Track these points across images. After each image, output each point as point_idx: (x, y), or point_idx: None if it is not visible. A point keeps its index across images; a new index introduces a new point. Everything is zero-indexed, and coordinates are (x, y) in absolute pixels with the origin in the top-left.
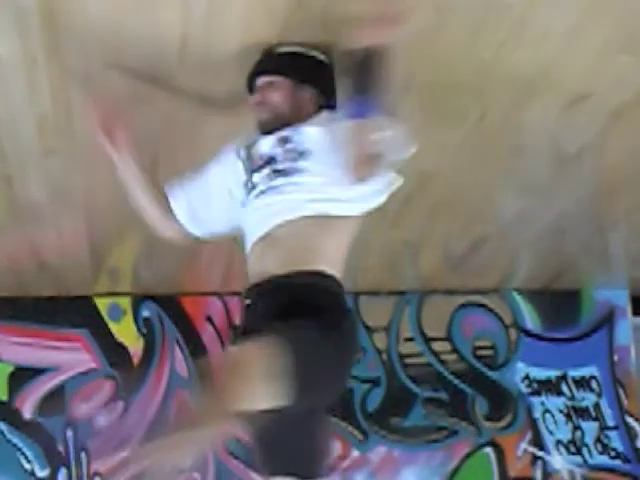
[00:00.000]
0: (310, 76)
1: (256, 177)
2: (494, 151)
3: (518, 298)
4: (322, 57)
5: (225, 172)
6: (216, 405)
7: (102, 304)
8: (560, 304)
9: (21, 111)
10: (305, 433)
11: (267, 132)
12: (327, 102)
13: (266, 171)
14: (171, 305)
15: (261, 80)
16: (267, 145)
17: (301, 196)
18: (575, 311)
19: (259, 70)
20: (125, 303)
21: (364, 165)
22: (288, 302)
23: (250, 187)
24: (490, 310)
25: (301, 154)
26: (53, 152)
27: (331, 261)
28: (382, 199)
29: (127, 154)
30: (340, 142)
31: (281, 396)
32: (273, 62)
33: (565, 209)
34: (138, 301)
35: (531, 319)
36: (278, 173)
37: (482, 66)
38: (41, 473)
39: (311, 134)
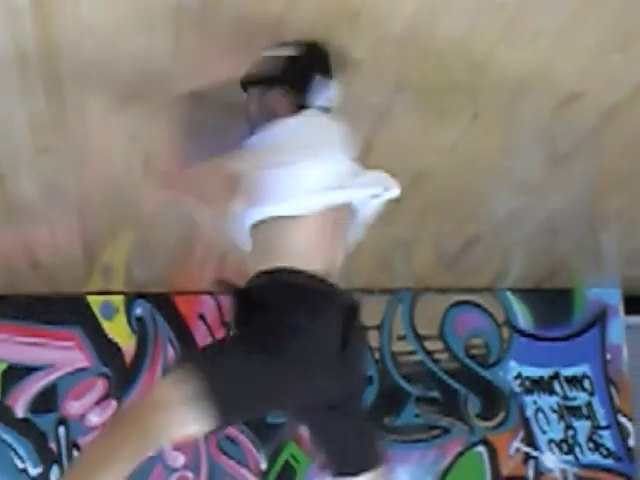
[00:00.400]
0: (275, 77)
1: None
2: (487, 150)
3: (511, 297)
4: (289, 52)
5: None
6: None
7: (95, 302)
8: (553, 303)
9: (14, 110)
10: (339, 431)
11: None
12: (303, 96)
13: None
14: (164, 303)
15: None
16: None
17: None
18: (567, 310)
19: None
20: (118, 301)
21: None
22: (241, 308)
23: None
24: (483, 309)
25: None
26: (46, 150)
27: (294, 256)
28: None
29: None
30: None
31: (207, 417)
32: (244, 79)
33: (558, 208)
34: (131, 299)
35: (524, 318)
36: None
37: (475, 65)
38: (34, 471)
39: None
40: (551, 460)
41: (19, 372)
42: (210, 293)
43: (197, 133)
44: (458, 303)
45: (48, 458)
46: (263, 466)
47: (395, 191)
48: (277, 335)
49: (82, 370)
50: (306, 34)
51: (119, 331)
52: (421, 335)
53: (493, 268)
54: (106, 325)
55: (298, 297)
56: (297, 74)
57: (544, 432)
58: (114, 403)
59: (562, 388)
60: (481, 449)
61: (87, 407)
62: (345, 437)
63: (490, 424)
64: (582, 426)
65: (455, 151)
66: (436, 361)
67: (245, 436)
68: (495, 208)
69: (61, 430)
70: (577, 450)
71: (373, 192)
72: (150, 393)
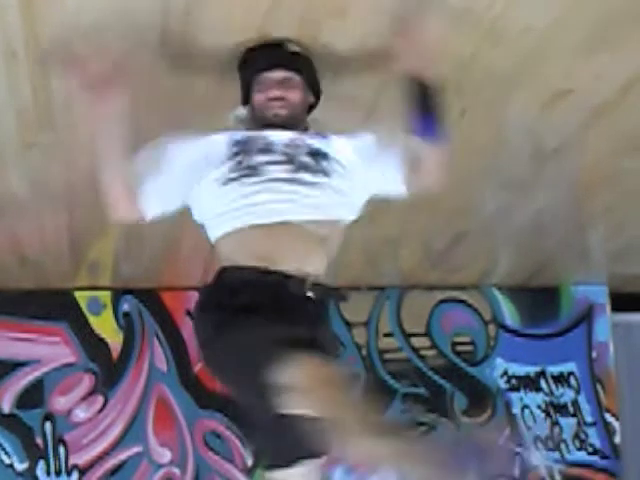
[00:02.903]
0: (313, 80)
1: (262, 158)
2: (474, 147)
3: (497, 294)
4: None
5: (198, 148)
6: None
7: (82, 298)
8: (539, 300)
9: (1, 105)
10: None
11: (274, 127)
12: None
13: (280, 157)
14: (151, 299)
15: (277, 74)
16: (284, 137)
17: (334, 199)
18: (554, 307)
19: (276, 63)
20: (105, 297)
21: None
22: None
23: (253, 168)
24: (469, 306)
25: (327, 159)
26: (34, 145)
27: None
28: None
29: (119, 111)
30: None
31: None
32: (290, 59)
33: (545, 205)
34: (118, 295)
35: (510, 315)
36: (301, 166)
37: (462, 62)
38: (20, 466)
39: (340, 146)
40: (537, 457)
41: (5, 367)
42: (197, 289)
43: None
44: (445, 300)
45: (34, 453)
46: (249, 462)
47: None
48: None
49: (69, 365)
50: (293, 30)
51: (106, 327)
52: (408, 332)
53: (480, 265)
54: (93, 320)
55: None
56: (319, 84)
57: (530, 429)
58: (100, 399)
59: (548, 385)
60: None
61: (74, 403)
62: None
63: (476, 421)
64: (568, 423)
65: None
66: (423, 358)
67: (231, 432)
68: (482, 205)
69: (47, 425)
70: (563, 447)
71: None
72: None
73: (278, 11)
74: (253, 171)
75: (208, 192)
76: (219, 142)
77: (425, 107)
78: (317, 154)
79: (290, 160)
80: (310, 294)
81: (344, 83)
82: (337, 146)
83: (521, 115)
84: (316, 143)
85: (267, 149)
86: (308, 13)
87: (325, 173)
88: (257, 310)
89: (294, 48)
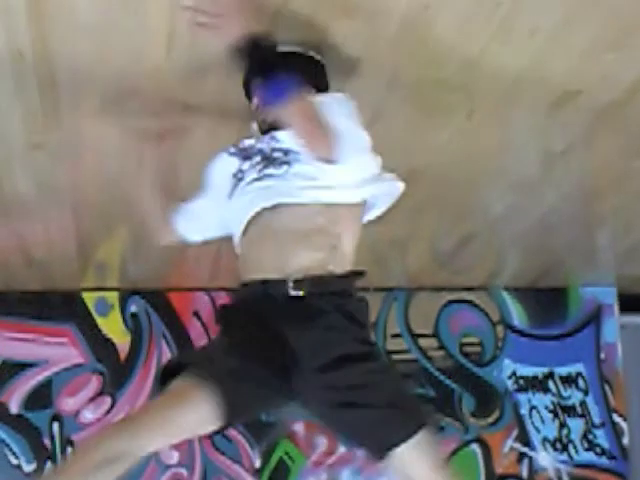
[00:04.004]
0: (309, 77)
1: (246, 165)
2: (481, 149)
3: (505, 295)
4: (318, 56)
5: (216, 170)
6: None
7: (89, 299)
8: (547, 301)
9: (8, 106)
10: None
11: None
12: None
13: (257, 159)
14: (158, 300)
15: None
16: (259, 140)
17: (297, 183)
18: (562, 309)
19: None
20: (112, 298)
21: (316, 138)
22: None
23: (240, 177)
24: (477, 307)
25: (285, 151)
26: (40, 148)
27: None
28: (381, 187)
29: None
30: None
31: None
32: (276, 61)
33: (553, 207)
34: (125, 296)
35: (518, 316)
36: (268, 161)
37: (470, 63)
38: (27, 467)
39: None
40: (545, 459)
41: (13, 368)
42: (205, 290)
43: None
44: (452, 301)
45: (42, 454)
46: (257, 464)
47: (400, 187)
48: None
49: (76, 366)
50: (301, 31)
51: (113, 327)
52: (415, 333)
53: (488, 266)
54: (100, 321)
55: None
56: (324, 80)
57: (538, 431)
58: (108, 399)
59: (556, 387)
60: (475, 448)
61: (81, 403)
62: (361, 415)
63: (484, 422)
64: (576, 425)
65: (449, 149)
66: (430, 359)
67: (239, 433)
68: (490, 206)
69: (55, 426)
70: (571, 449)
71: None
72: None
73: (285, 10)
74: (238, 180)
75: (225, 210)
76: (227, 158)
77: (264, 70)
78: (277, 148)
79: (263, 159)
80: (295, 293)
81: (351, 84)
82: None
83: (529, 116)
84: (275, 137)
85: (247, 155)
86: (316, 14)
87: (286, 162)
88: (250, 325)
89: (283, 49)
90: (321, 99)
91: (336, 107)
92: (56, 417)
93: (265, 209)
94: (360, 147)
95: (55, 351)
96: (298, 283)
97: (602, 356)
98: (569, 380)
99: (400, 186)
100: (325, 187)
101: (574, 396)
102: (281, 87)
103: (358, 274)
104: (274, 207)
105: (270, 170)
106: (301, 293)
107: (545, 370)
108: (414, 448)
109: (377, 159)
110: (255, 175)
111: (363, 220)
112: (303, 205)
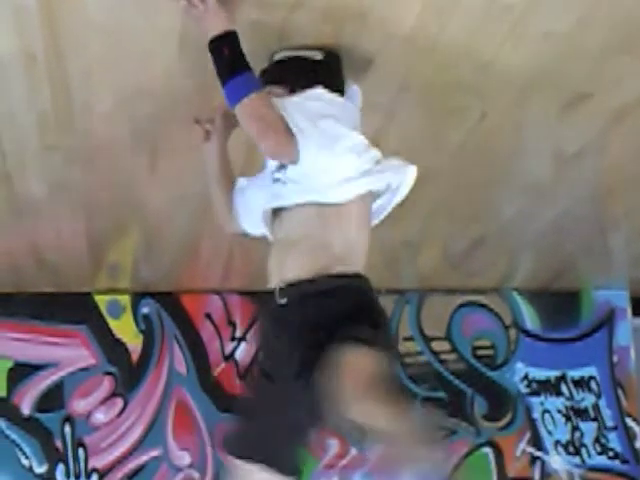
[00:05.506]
0: (304, 79)
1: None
2: (494, 151)
3: (518, 298)
4: (319, 56)
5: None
6: None
7: (101, 301)
8: (560, 304)
9: (21, 108)
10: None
11: None
12: None
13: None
14: (170, 302)
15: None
16: None
17: (291, 186)
18: (575, 312)
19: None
20: (124, 300)
21: (266, 138)
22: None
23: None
24: (490, 310)
25: None
26: (53, 149)
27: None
28: (381, 178)
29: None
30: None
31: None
32: (269, 72)
33: (565, 209)
34: (137, 298)
35: (531, 319)
36: (279, 165)
37: (483, 66)
38: (39, 469)
39: None
40: (557, 462)
41: (25, 370)
42: (217, 292)
43: None
44: (465, 304)
45: (54, 456)
46: None
47: (412, 171)
48: None
49: (88, 368)
50: (314, 34)
51: (125, 330)
52: (428, 336)
53: (500, 269)
54: (112, 323)
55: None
56: (329, 79)
57: (550, 434)
58: (120, 401)
59: (569, 390)
60: (487, 450)
61: (93, 405)
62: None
63: (496, 425)
64: (589, 428)
65: (462, 152)
66: (443, 362)
67: None
68: (502, 209)
69: (67, 428)
70: (584, 452)
71: (400, 178)
72: None
73: (299, 13)
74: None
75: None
76: None
77: (221, 73)
78: None
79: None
80: (281, 301)
81: (364, 86)
82: None
83: (541, 118)
84: None
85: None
86: (330, 13)
87: (284, 166)
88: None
89: (279, 57)
90: (294, 99)
91: (309, 106)
92: (68, 419)
93: (274, 214)
94: (333, 145)
95: (67, 353)
96: (282, 291)
97: (615, 359)
98: (582, 383)
99: (412, 170)
100: (309, 189)
101: (587, 399)
102: (233, 89)
103: (351, 275)
104: (278, 213)
105: (278, 174)
106: (284, 301)
107: (558, 373)
108: None
109: (371, 154)
110: (270, 178)
111: (371, 216)
112: (298, 210)
